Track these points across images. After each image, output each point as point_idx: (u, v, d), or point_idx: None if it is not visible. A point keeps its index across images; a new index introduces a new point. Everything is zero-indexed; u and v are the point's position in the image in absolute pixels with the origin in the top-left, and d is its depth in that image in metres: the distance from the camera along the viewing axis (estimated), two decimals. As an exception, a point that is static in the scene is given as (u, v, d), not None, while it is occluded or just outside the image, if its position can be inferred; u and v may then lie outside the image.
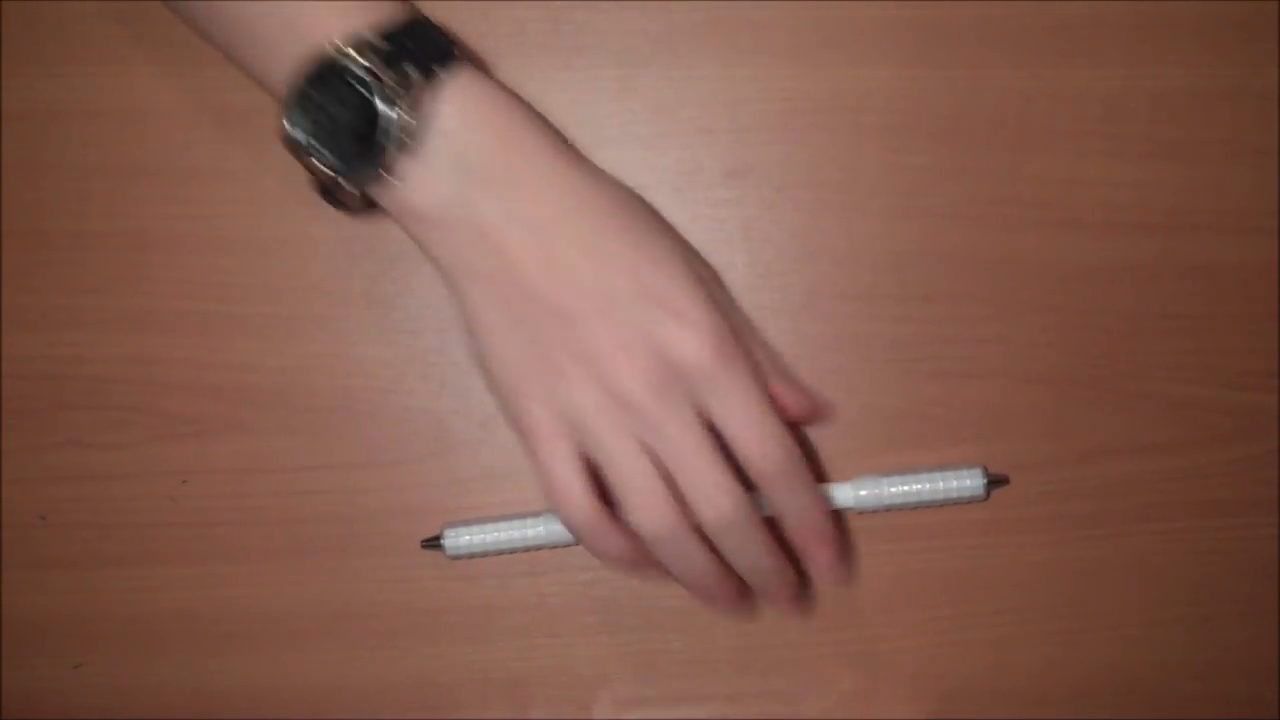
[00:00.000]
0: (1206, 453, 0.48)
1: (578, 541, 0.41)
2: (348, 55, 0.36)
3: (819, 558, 0.42)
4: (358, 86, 0.36)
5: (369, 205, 0.40)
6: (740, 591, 0.43)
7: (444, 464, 0.47)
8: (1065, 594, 0.47)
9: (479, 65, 0.39)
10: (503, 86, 0.39)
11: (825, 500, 0.43)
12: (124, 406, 0.46)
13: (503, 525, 0.45)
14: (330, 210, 0.46)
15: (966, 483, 0.45)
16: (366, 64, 0.36)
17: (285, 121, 0.37)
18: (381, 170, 0.37)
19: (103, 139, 0.45)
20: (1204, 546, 0.48)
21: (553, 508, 0.39)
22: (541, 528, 0.44)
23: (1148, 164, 0.47)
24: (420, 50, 0.36)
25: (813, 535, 0.41)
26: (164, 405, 0.46)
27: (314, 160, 0.38)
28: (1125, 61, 0.47)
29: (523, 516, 0.45)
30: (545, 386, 0.37)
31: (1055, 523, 0.47)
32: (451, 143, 0.37)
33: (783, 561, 0.42)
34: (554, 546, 0.45)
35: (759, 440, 0.38)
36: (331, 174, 0.38)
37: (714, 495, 0.38)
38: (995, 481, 0.46)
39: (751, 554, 0.40)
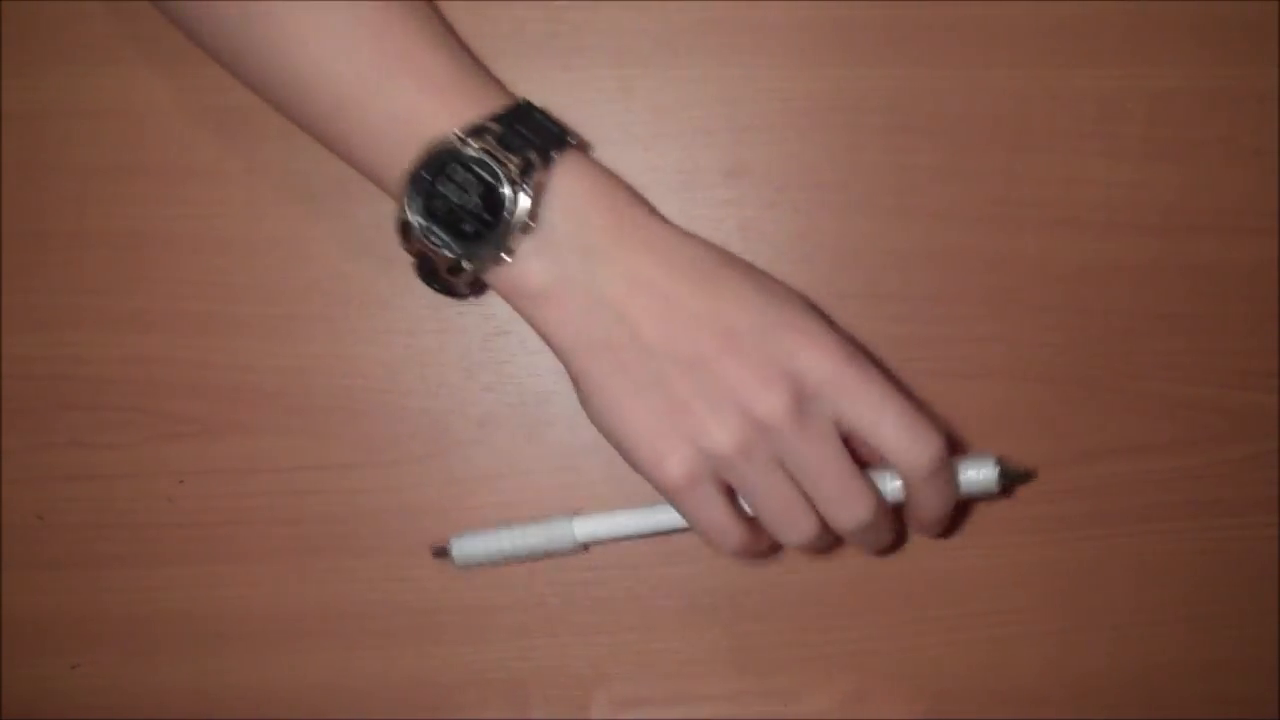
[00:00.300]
0: (1206, 453, 0.48)
1: (722, 555, 0.41)
2: (467, 143, 0.38)
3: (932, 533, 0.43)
4: (479, 170, 0.38)
5: (479, 288, 0.40)
6: None
7: (442, 464, 0.47)
8: (1064, 594, 0.47)
9: (581, 145, 0.40)
10: (601, 165, 0.40)
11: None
12: (123, 406, 0.46)
13: (514, 533, 0.44)
14: (330, 210, 0.46)
15: (977, 474, 0.42)
16: (487, 148, 0.38)
17: (405, 209, 0.38)
18: (502, 252, 0.38)
19: (103, 139, 0.45)
20: (1204, 546, 0.48)
21: (712, 547, 0.40)
22: (548, 535, 0.44)
23: (1146, 164, 0.47)
24: (534, 134, 0.38)
25: (940, 523, 0.42)
26: (163, 405, 0.46)
27: (433, 244, 0.38)
28: (1123, 62, 0.47)
29: (530, 524, 0.45)
30: (683, 437, 0.38)
31: (1055, 523, 0.47)
32: (568, 220, 0.38)
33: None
34: (564, 555, 0.45)
35: (910, 439, 0.38)
36: (452, 257, 0.38)
37: (856, 503, 0.39)
38: (1013, 476, 0.43)
39: (880, 541, 0.42)
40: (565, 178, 0.38)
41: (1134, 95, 0.47)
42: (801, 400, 0.38)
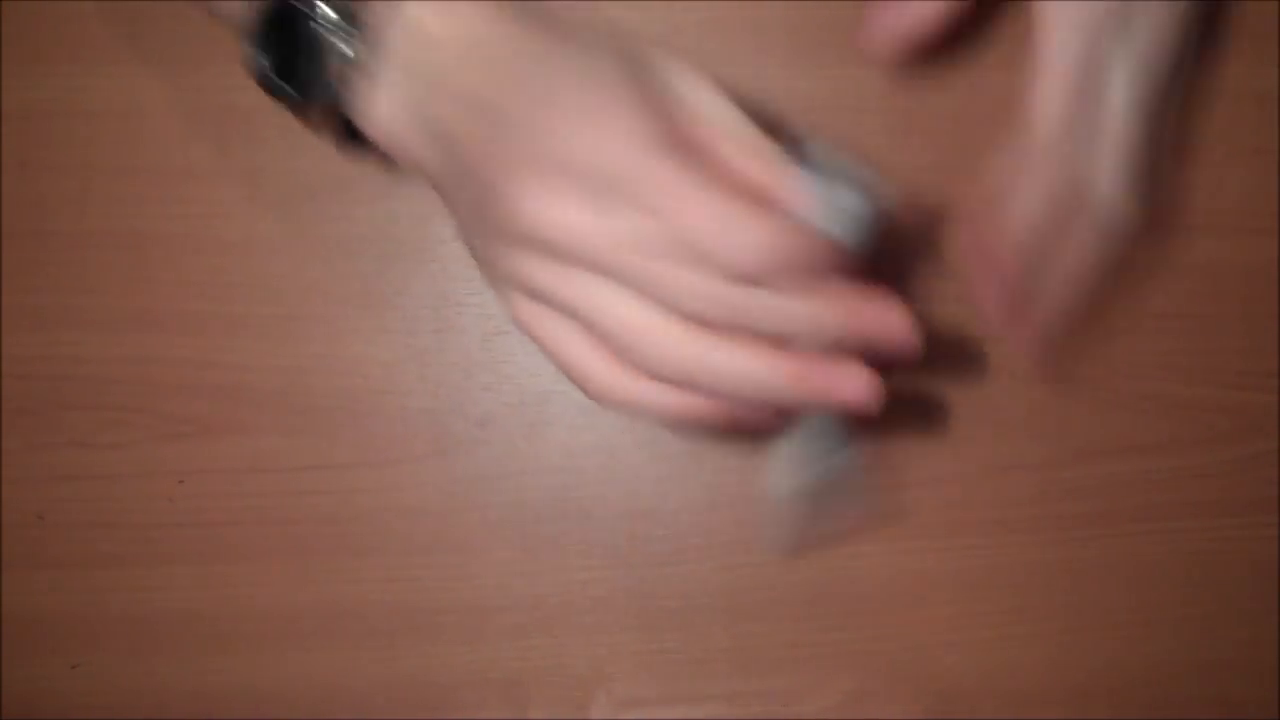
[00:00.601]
0: (1206, 453, 0.48)
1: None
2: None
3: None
4: (311, 25, 0.36)
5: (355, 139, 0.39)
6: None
7: (442, 464, 0.47)
8: (1065, 594, 0.47)
9: None
10: None
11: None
12: (123, 406, 0.46)
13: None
14: (329, 210, 0.46)
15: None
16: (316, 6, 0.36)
17: (249, 60, 0.38)
18: (339, 101, 0.37)
19: (103, 139, 0.46)
20: (1204, 546, 0.48)
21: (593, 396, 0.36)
22: None
23: (1147, 164, 0.47)
24: None
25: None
26: (163, 405, 0.46)
27: (280, 95, 0.38)
28: (1124, 61, 0.47)
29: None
30: (505, 272, 0.35)
31: (1055, 523, 0.47)
32: (401, 62, 0.36)
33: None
34: None
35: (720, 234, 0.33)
36: (298, 105, 0.38)
37: (737, 228, 0.33)
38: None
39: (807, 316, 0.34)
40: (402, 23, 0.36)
41: (1134, 95, 0.47)
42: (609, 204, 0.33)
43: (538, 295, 0.35)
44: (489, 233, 0.36)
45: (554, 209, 0.34)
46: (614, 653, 0.47)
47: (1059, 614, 0.47)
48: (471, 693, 0.47)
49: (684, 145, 0.35)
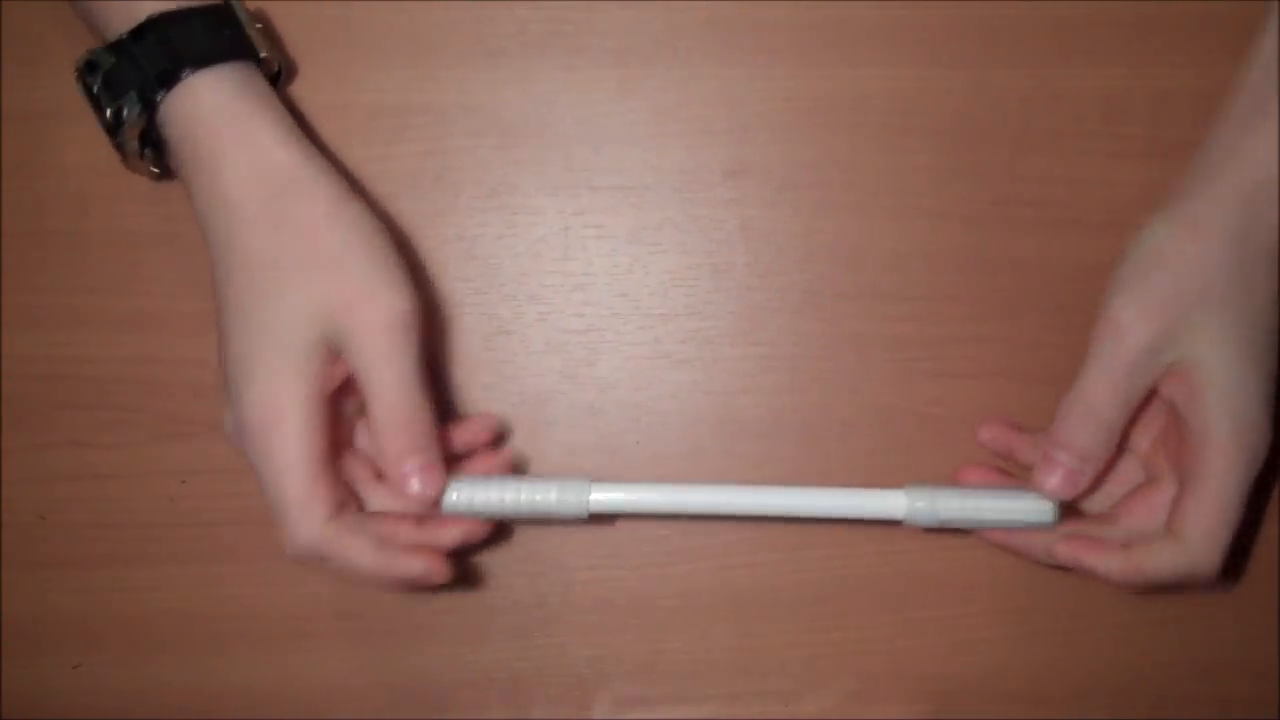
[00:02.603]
0: (1206, 453, 0.47)
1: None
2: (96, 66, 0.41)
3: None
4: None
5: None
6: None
7: (444, 464, 0.46)
8: (1065, 594, 0.47)
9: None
10: (227, 81, 0.41)
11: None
12: (123, 406, 0.46)
13: (522, 484, 0.42)
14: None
15: (1030, 506, 0.42)
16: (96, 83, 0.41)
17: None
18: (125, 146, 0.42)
19: (103, 139, 0.45)
20: (1204, 547, 0.48)
21: None
22: (559, 494, 0.42)
23: (1148, 164, 0.47)
24: (154, 62, 0.40)
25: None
26: (164, 405, 0.46)
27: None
28: (1125, 61, 0.47)
29: (542, 479, 0.43)
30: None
31: (1055, 523, 0.47)
32: (178, 132, 0.41)
33: None
34: (565, 519, 0.43)
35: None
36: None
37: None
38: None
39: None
40: (176, 102, 0.40)
41: (1136, 95, 0.47)
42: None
43: None
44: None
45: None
46: (614, 653, 0.47)
47: (1059, 614, 0.47)
48: (472, 693, 0.47)
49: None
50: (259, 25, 0.43)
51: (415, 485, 0.40)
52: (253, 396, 0.39)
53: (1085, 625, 0.47)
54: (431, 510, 0.42)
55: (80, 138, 0.46)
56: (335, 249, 0.40)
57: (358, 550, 0.39)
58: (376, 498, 0.42)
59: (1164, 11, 0.47)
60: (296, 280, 0.39)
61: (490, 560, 0.47)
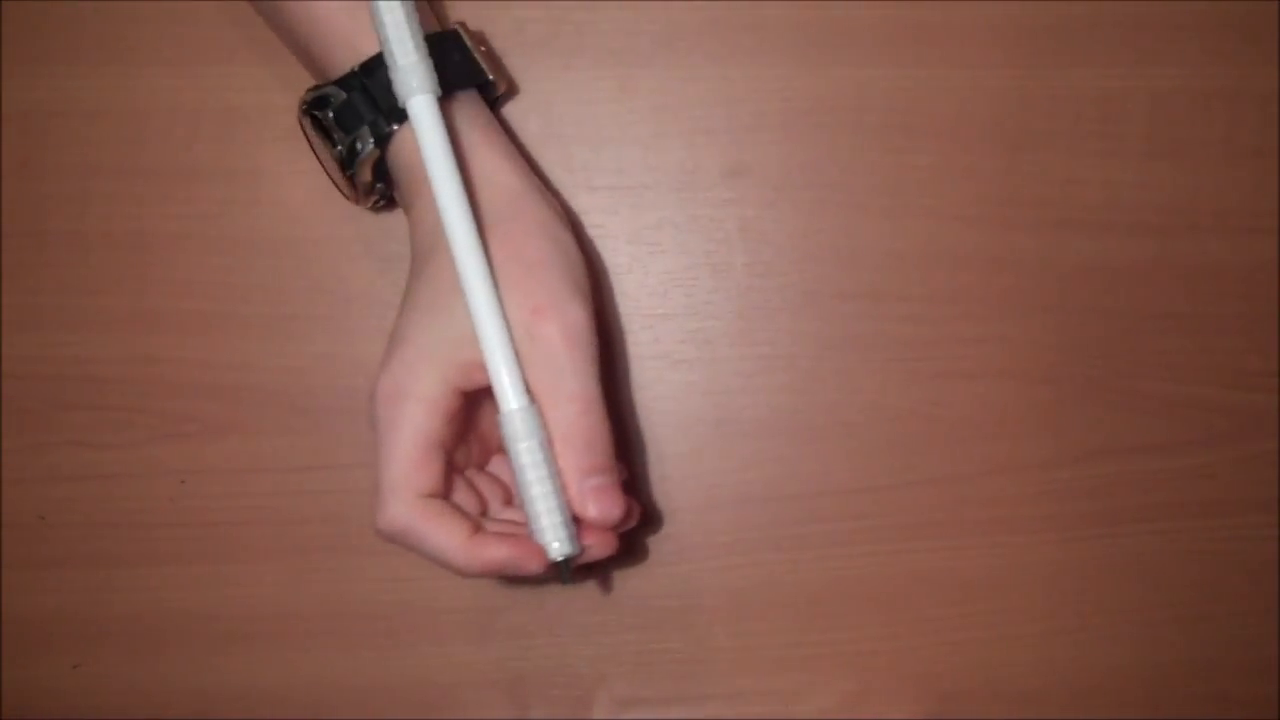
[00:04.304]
0: (1206, 453, 0.48)
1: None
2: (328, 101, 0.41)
3: None
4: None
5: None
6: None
7: (444, 464, 0.46)
8: (1065, 594, 0.47)
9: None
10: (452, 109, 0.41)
11: None
12: (124, 406, 0.46)
13: None
14: (330, 211, 0.46)
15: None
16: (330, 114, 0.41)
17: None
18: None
19: (103, 139, 0.46)
20: (1204, 546, 0.48)
21: None
22: None
23: (1146, 164, 0.47)
24: (383, 99, 0.40)
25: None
26: (164, 405, 0.46)
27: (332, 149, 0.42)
28: (1124, 62, 0.47)
29: None
30: None
31: (1055, 522, 0.47)
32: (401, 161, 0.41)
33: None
34: None
35: None
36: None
37: None
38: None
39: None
40: (406, 133, 0.40)
41: (1134, 95, 0.47)
42: None
43: None
44: None
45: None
46: (614, 653, 0.47)
47: (1059, 614, 0.47)
48: (473, 692, 0.47)
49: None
50: (483, 48, 0.43)
51: (592, 509, 0.39)
52: (396, 364, 0.38)
53: (1085, 625, 0.47)
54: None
55: (80, 138, 0.46)
56: (535, 258, 0.39)
57: (449, 530, 0.38)
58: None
59: (1164, 11, 0.47)
60: (495, 280, 0.39)
61: (490, 560, 0.47)
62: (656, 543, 0.47)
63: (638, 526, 0.47)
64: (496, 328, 0.38)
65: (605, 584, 0.47)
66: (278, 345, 0.46)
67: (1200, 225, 0.47)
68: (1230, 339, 0.47)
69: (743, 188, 0.47)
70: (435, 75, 0.39)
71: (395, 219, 0.46)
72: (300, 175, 0.46)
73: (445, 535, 0.38)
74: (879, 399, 0.47)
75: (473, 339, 0.38)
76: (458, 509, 0.39)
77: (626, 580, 0.47)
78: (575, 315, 0.39)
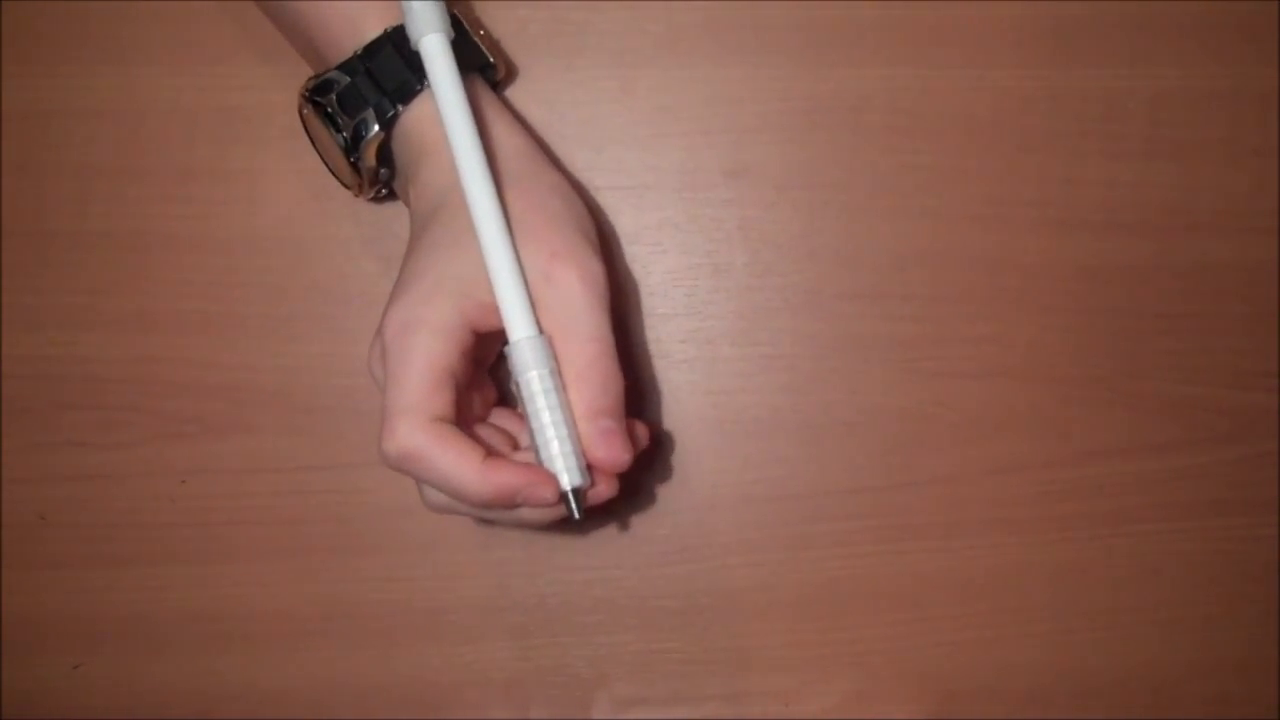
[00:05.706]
0: (1206, 453, 0.48)
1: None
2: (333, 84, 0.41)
3: None
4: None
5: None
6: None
7: (444, 464, 0.46)
8: (1066, 594, 0.47)
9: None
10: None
11: None
12: (124, 406, 0.46)
13: None
14: (330, 210, 0.46)
15: None
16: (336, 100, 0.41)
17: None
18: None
19: (103, 139, 0.45)
20: (1204, 546, 0.48)
21: None
22: None
23: (1146, 164, 0.47)
24: (387, 80, 0.40)
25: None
26: (164, 405, 0.46)
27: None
28: (1124, 62, 0.47)
29: None
30: None
31: (1055, 523, 0.47)
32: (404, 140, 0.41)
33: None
34: None
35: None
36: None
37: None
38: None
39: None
40: (410, 113, 0.40)
41: (1134, 95, 0.47)
42: None
43: None
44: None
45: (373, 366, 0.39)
46: (614, 653, 0.47)
47: (1060, 614, 0.47)
48: (473, 692, 0.47)
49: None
50: (481, 32, 0.43)
51: (601, 451, 0.38)
52: (410, 296, 0.38)
53: (1085, 625, 0.47)
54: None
55: (80, 138, 0.46)
56: (553, 210, 0.40)
57: (462, 451, 0.37)
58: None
59: (1164, 11, 0.47)
60: (509, 228, 0.39)
61: (490, 560, 0.47)
62: (657, 543, 0.47)
63: (640, 526, 0.47)
64: (507, 259, 0.38)
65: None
66: (278, 345, 0.46)
67: (1200, 225, 0.47)
68: (1230, 339, 0.47)
69: (743, 188, 0.47)
70: (448, 18, 0.39)
71: (395, 219, 0.46)
72: (300, 175, 0.46)
73: (457, 456, 0.37)
74: (879, 399, 0.47)
75: (488, 281, 0.38)
76: (469, 435, 0.38)
77: (626, 580, 0.47)
78: (593, 265, 0.39)
